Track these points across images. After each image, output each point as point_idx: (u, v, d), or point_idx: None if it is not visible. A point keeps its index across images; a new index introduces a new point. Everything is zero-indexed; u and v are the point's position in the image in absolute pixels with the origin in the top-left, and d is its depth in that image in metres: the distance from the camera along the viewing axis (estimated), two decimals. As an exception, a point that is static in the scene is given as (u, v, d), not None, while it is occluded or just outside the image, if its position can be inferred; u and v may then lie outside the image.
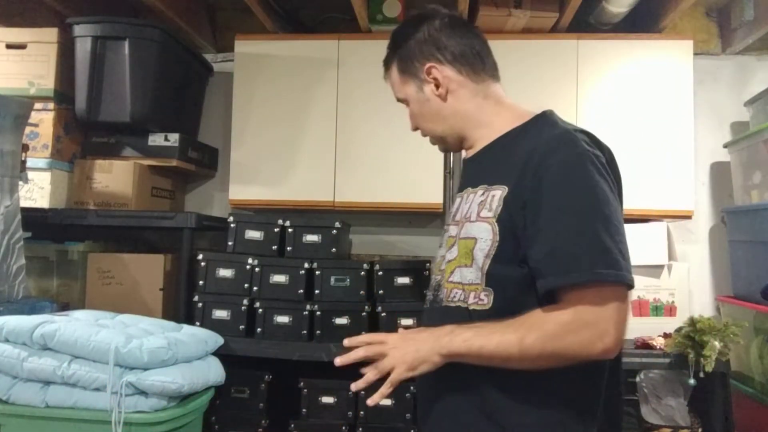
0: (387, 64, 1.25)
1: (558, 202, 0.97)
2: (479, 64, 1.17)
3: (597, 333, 0.93)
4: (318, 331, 2.25)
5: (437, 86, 1.16)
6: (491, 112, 1.17)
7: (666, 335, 2.23)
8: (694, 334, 2.05)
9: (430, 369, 1.02)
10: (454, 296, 1.10)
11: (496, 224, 1.03)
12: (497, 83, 1.21)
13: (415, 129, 1.27)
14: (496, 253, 1.03)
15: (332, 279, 2.28)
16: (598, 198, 0.96)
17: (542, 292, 0.98)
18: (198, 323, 2.27)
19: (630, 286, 0.97)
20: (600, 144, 1.06)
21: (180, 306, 2.34)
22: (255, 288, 2.29)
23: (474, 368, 1.02)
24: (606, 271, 0.94)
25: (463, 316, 1.06)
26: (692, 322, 2.09)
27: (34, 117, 2.29)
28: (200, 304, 2.30)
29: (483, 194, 1.09)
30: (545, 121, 1.12)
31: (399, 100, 1.26)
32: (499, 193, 1.05)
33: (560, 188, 0.97)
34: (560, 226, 0.96)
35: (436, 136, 1.24)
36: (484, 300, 1.04)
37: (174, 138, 2.53)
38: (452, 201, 1.28)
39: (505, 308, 1.02)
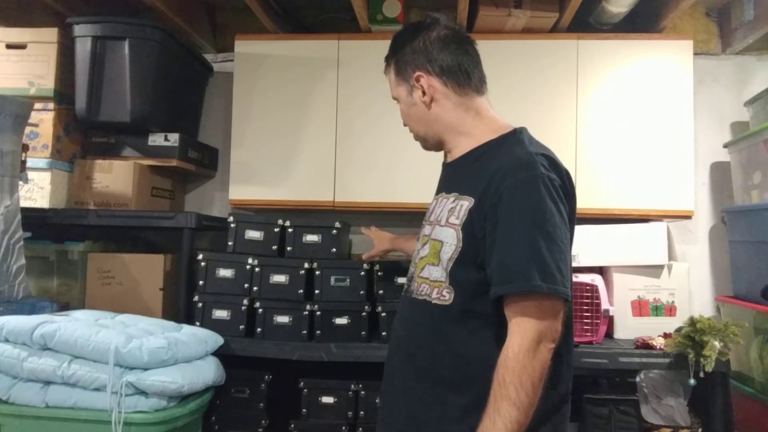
0: (387, 62, 1.37)
1: (511, 219, 1.10)
2: (464, 80, 1.28)
3: (542, 341, 1.07)
4: (318, 331, 2.25)
5: (423, 93, 1.28)
6: (470, 124, 1.28)
7: (666, 335, 2.23)
8: (694, 334, 2.05)
9: None
10: (422, 290, 1.24)
11: (460, 231, 1.17)
12: (482, 96, 1.31)
13: (405, 125, 1.39)
14: (458, 257, 1.16)
15: (332, 279, 2.28)
16: (545, 218, 1.09)
17: (492, 298, 1.12)
18: (198, 323, 2.27)
19: (564, 297, 1.10)
20: (558, 167, 1.17)
21: (180, 306, 2.34)
22: (255, 288, 2.29)
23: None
24: (542, 284, 1.06)
25: (427, 308, 1.21)
26: (692, 322, 2.08)
27: (34, 117, 2.29)
28: (200, 304, 2.30)
29: (453, 202, 1.22)
30: (515, 139, 1.23)
31: (393, 97, 1.39)
32: (466, 203, 1.18)
33: (514, 207, 1.10)
34: (510, 241, 1.09)
35: (419, 136, 1.37)
36: (446, 296, 1.18)
37: (174, 138, 2.53)
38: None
39: (462, 304, 1.16)
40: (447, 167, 1.35)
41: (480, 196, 1.15)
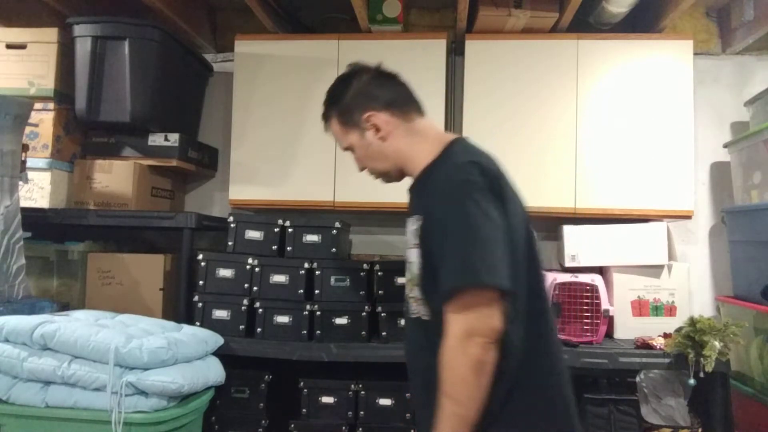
0: (327, 118, 1.44)
1: (441, 226, 1.17)
2: (407, 106, 1.36)
3: (472, 335, 1.10)
4: (318, 331, 2.25)
5: (377, 131, 1.35)
6: (419, 147, 1.34)
7: (666, 335, 2.23)
8: (694, 334, 2.05)
9: None
10: (414, 310, 1.30)
11: (419, 249, 1.24)
12: (423, 117, 1.39)
13: (363, 169, 1.46)
14: (422, 274, 1.24)
15: (332, 279, 2.28)
16: (470, 221, 1.14)
17: (442, 303, 1.16)
18: (198, 323, 2.27)
19: (496, 286, 1.11)
20: (486, 171, 1.20)
21: (180, 306, 2.34)
22: (255, 288, 2.29)
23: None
24: (462, 278, 1.11)
25: (420, 324, 1.27)
26: (692, 322, 2.08)
27: (34, 117, 2.29)
28: (200, 304, 2.30)
29: (414, 223, 1.28)
30: (448, 153, 1.29)
31: (345, 148, 1.44)
32: (420, 222, 1.25)
33: (442, 215, 1.18)
34: (444, 248, 1.16)
35: (381, 173, 1.43)
36: (426, 312, 1.24)
37: (174, 138, 2.53)
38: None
39: (437, 317, 1.18)
40: (410, 192, 1.41)
41: (424, 211, 1.24)
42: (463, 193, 1.16)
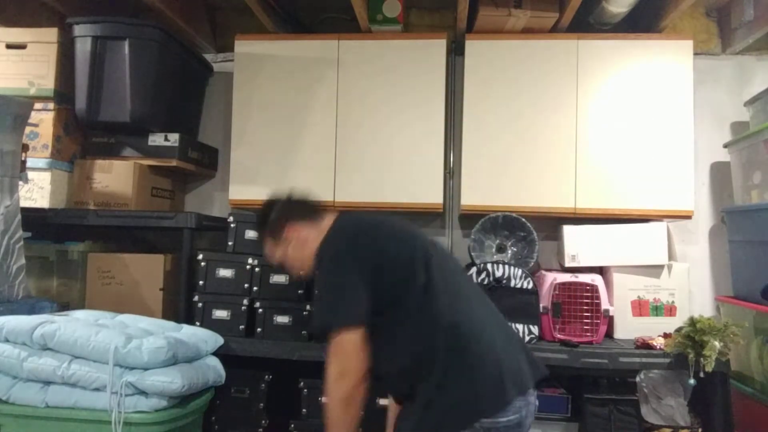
0: (262, 237, 1.72)
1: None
2: (315, 214, 1.67)
3: (341, 375, 1.42)
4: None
5: (298, 239, 1.64)
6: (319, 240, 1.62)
7: (666, 335, 2.23)
8: (694, 334, 2.05)
9: None
10: None
11: None
12: (325, 215, 1.68)
13: (297, 275, 1.74)
14: None
15: (332, 279, 2.28)
16: (325, 278, 1.49)
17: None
18: (198, 323, 2.27)
19: (349, 325, 1.41)
20: (343, 233, 1.54)
21: (180, 306, 2.34)
22: (255, 288, 2.29)
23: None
24: (327, 325, 1.42)
25: None
26: (692, 322, 2.08)
27: (34, 117, 2.29)
28: (200, 304, 2.30)
29: None
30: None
31: (277, 260, 1.70)
32: None
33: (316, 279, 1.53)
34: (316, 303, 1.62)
35: (302, 270, 1.69)
36: None
37: (174, 138, 2.53)
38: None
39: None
40: None
41: None
42: (322, 259, 1.50)
